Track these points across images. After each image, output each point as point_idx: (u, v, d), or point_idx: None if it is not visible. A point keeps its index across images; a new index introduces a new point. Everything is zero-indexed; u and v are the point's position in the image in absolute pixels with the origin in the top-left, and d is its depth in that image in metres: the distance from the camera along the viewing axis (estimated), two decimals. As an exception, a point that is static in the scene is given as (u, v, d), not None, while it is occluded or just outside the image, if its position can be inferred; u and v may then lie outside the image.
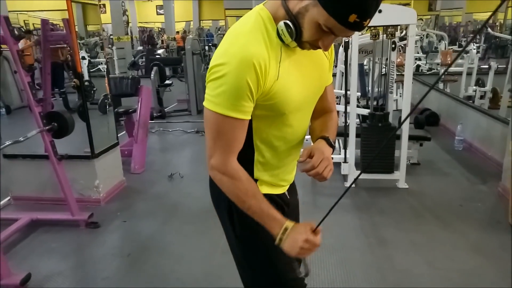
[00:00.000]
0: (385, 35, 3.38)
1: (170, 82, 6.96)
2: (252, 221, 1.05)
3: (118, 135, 3.66)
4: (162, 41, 14.90)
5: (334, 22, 0.83)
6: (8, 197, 3.31)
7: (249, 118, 0.98)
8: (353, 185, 3.30)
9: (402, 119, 3.37)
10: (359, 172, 3.35)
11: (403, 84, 3.36)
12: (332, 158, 1.16)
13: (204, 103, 0.96)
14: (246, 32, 0.94)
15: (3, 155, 3.13)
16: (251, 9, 1.02)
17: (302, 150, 1.13)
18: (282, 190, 1.20)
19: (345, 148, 3.55)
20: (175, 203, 3.28)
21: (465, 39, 7.88)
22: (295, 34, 0.90)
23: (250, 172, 1.08)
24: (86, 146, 3.15)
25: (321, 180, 1.08)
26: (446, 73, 5.85)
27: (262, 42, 0.93)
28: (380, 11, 2.93)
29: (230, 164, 1.00)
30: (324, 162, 1.05)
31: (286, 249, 0.99)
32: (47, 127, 2.69)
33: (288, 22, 0.90)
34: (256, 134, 1.05)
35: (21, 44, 6.81)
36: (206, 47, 8.49)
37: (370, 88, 4.02)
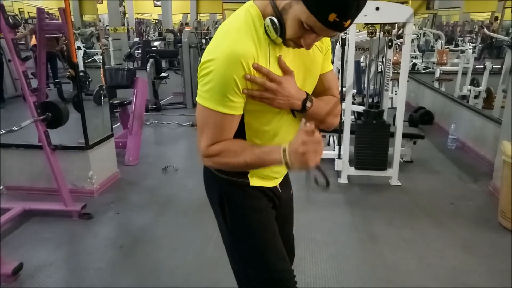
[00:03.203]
0: (382, 33, 3.39)
1: (166, 74, 6.93)
2: (242, 211, 1.05)
3: (113, 126, 3.64)
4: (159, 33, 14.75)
5: (314, 20, 0.84)
6: (1, 187, 3.30)
7: (240, 113, 0.99)
8: (346, 181, 3.37)
9: (397, 117, 3.39)
10: (352, 168, 3.39)
11: (398, 82, 3.37)
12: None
13: (196, 98, 1.00)
14: (236, 29, 0.96)
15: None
16: (249, 3, 1.02)
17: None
18: (274, 183, 1.21)
19: (339, 144, 3.57)
20: (168, 196, 3.28)
21: (462, 38, 7.92)
22: (280, 30, 0.91)
23: None
24: (80, 137, 3.13)
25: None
26: (441, 72, 5.88)
27: (251, 39, 0.94)
28: (377, 9, 2.96)
29: (212, 147, 1.01)
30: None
31: (296, 165, 0.92)
32: (41, 117, 2.67)
33: (273, 18, 0.91)
34: (248, 127, 1.06)
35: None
36: (203, 40, 8.45)
37: (365, 85, 4.03)
